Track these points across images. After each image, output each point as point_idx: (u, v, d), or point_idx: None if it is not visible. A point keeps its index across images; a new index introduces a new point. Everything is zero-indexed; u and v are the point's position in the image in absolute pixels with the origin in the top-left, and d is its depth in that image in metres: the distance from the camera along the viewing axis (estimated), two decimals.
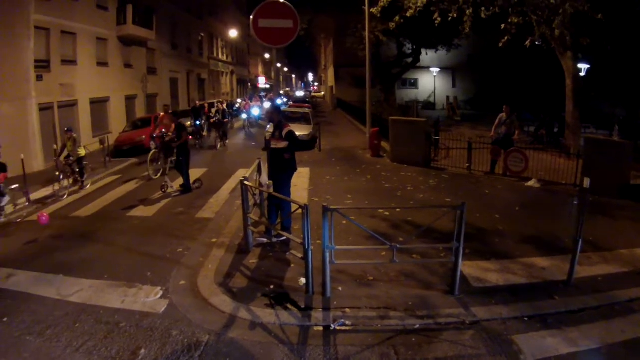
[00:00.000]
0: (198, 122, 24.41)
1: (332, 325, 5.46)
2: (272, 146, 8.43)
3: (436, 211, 7.99)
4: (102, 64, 25.16)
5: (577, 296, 6.37)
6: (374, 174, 14.19)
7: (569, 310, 6.01)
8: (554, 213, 10.14)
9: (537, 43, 16.93)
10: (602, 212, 10.05)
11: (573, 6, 13.90)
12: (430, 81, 45.92)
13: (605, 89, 27.12)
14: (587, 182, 6.93)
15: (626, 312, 6.24)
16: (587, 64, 19.55)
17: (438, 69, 44.13)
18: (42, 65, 19.97)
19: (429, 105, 45.34)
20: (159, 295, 6.55)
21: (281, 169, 8.38)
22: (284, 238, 7.89)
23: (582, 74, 18.82)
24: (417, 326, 5.43)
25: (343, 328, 5.47)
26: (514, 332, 5.38)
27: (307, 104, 35.49)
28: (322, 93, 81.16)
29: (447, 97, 43.57)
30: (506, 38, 16.38)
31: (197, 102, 29.31)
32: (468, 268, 6.81)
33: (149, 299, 6.45)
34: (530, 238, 8.38)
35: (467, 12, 15.98)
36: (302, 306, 5.95)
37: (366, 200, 10.98)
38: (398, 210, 9.92)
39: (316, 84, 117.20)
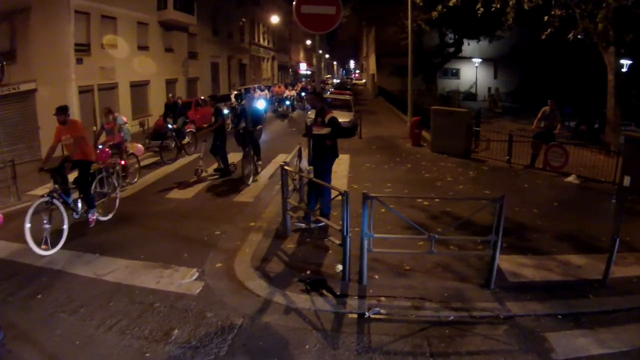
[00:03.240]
0: (170, 125, 16.99)
1: (367, 314, 5.54)
2: (314, 132, 8.48)
3: (475, 203, 7.93)
4: (142, 48, 25.59)
5: (611, 297, 6.30)
6: (414, 163, 14.18)
7: (602, 310, 5.96)
8: (592, 211, 9.96)
9: (579, 37, 16.61)
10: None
11: (617, 0, 13.58)
12: (472, 72, 45.30)
13: None
14: (627, 181, 6.85)
15: None
16: (629, 60, 19.02)
17: (480, 60, 43.49)
18: (82, 49, 20.45)
19: (470, 96, 44.77)
20: (194, 277, 6.70)
21: (323, 155, 8.44)
22: (322, 224, 7.95)
23: (624, 69, 18.33)
24: (451, 318, 5.47)
25: (377, 316, 5.53)
26: (547, 329, 5.37)
27: (348, 91, 35.38)
28: (364, 81, 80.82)
29: (489, 89, 42.92)
30: (549, 30, 16.13)
31: (171, 96, 19.44)
32: (504, 262, 6.80)
33: (184, 280, 6.61)
34: (567, 235, 8.28)
35: (510, 2, 15.75)
36: (338, 293, 6.03)
37: (405, 190, 11.00)
38: (437, 200, 9.90)
39: (357, 71, 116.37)
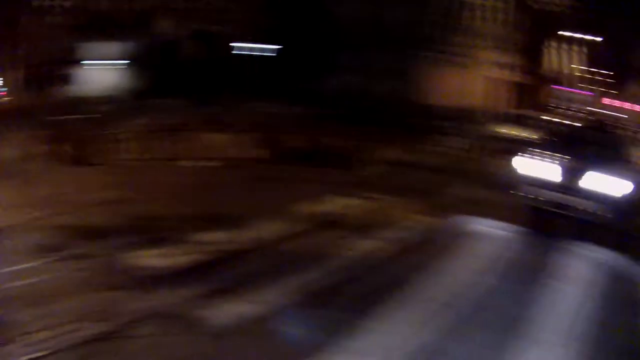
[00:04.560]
0: None
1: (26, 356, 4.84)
2: None
3: (104, 208, 7.69)
4: None
5: (255, 260, 7.12)
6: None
7: (249, 274, 6.60)
8: (231, 186, 10.67)
9: None
10: (276, 178, 11.39)
11: None
12: None
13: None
14: (259, 153, 7.47)
15: (309, 263, 7.26)
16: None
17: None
18: None
19: None
20: None
21: None
22: None
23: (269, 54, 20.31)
24: (108, 330, 5.16)
25: (39, 355, 4.89)
26: (200, 308, 5.59)
27: None
28: None
29: None
30: None
31: None
32: (144, 258, 6.73)
33: None
34: (206, 216, 8.66)
35: None
36: None
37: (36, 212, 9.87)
38: (65, 216, 9.11)
39: None
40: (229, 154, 12.89)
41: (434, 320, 5.91)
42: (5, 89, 25.12)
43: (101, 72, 29.16)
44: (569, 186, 10.14)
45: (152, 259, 6.84)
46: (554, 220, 10.47)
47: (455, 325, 5.84)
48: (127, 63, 29.60)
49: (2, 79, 25.13)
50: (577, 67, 42.68)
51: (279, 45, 21.62)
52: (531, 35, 42.53)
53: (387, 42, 26.67)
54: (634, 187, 10.08)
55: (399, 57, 25.09)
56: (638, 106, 33.12)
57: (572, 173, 10.34)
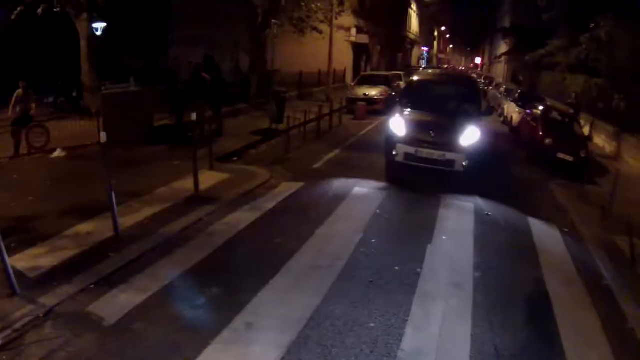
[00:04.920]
0: None
1: None
2: None
3: None
4: None
5: (131, 245, 7.01)
6: None
7: (128, 261, 6.60)
8: (85, 176, 10.33)
9: (55, 10, 16.26)
10: (132, 161, 11.08)
11: None
12: None
13: (124, 44, 27.90)
14: (103, 137, 7.37)
15: (183, 241, 7.37)
16: (104, 22, 19.77)
17: None
18: None
19: None
20: None
21: None
22: None
23: (99, 33, 19.11)
24: (8, 339, 4.98)
25: None
26: (87, 303, 5.60)
27: None
28: None
29: None
30: (19, 9, 15.43)
31: None
32: (20, 262, 6.41)
33: None
34: (69, 208, 8.44)
35: None
36: None
37: None
38: None
39: None
40: (89, 139, 12.40)
41: (319, 284, 6.27)
42: None
43: None
44: (426, 140, 11.09)
45: (30, 260, 6.56)
46: (419, 175, 11.27)
47: (341, 287, 6.23)
48: None
49: None
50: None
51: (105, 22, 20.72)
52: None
53: (229, 12, 26.50)
54: (481, 135, 11.32)
55: (243, 29, 25.06)
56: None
57: (429, 126, 11.36)
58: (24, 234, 7.50)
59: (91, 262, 6.49)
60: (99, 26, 19.10)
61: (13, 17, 15.86)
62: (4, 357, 4.83)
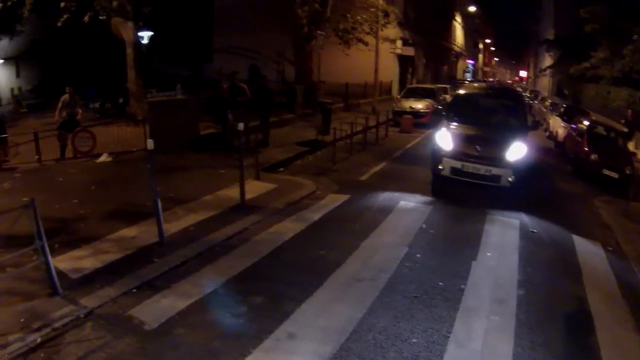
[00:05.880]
0: None
1: None
2: None
3: (15, 215, 7.20)
4: None
5: (175, 251, 6.92)
6: None
7: (172, 267, 6.50)
8: (131, 181, 10.44)
9: (100, 18, 16.62)
10: (178, 168, 11.01)
11: None
12: None
13: (170, 53, 28.52)
14: (150, 144, 7.31)
15: (227, 249, 7.25)
16: (150, 31, 20.16)
17: (1, 61, 38.57)
18: None
19: None
20: None
21: None
22: None
23: (145, 41, 19.47)
24: (39, 340, 4.95)
25: None
26: (129, 307, 5.52)
27: None
28: None
29: (12, 90, 38.86)
30: (65, 16, 15.69)
31: None
32: (62, 262, 6.42)
33: None
34: (114, 212, 8.47)
35: None
36: None
37: None
38: None
39: None
40: (134, 145, 12.46)
41: (363, 297, 6.09)
42: None
43: None
44: (472, 154, 10.84)
45: (73, 261, 6.54)
46: (465, 189, 11.06)
47: (384, 300, 6.05)
48: None
49: None
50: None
51: (151, 31, 20.96)
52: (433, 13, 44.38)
53: (273, 22, 26.67)
54: (527, 150, 10.96)
55: (286, 39, 25.10)
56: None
57: (475, 140, 11.09)
58: (67, 235, 7.55)
59: (134, 266, 6.45)
60: (145, 35, 19.38)
61: (59, 24, 16.17)
62: (42, 355, 4.79)
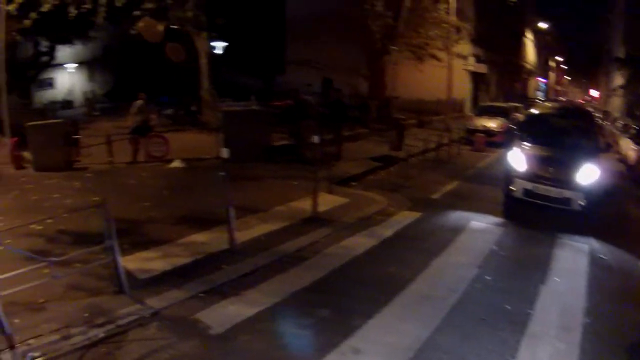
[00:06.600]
0: None
1: None
2: None
3: (86, 213, 7.33)
4: None
5: (245, 259, 6.82)
6: (20, 188, 12.11)
7: (241, 274, 6.40)
8: (202, 188, 10.53)
9: (173, 27, 17.08)
10: (250, 177, 10.99)
11: None
12: (67, 79, 42.05)
13: (244, 64, 29.04)
14: (225, 153, 7.25)
15: (297, 260, 7.10)
16: (224, 41, 20.64)
17: (75, 65, 40.66)
18: None
19: (67, 104, 41.66)
20: None
21: None
22: None
23: (220, 51, 19.91)
24: (102, 335, 4.95)
25: None
26: (195, 310, 5.45)
27: None
28: None
29: (85, 93, 40.85)
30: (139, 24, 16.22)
31: None
32: (131, 262, 6.43)
33: None
34: (184, 217, 8.52)
35: (100, 1, 15.22)
36: None
37: (17, 219, 9.26)
38: (49, 221, 8.70)
39: None
40: (207, 153, 12.58)
41: (430, 316, 5.87)
42: None
43: None
44: (544, 175, 10.41)
45: (141, 262, 6.57)
46: (536, 211, 10.64)
47: (452, 321, 5.81)
48: None
49: None
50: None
51: (225, 41, 21.24)
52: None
53: (345, 36, 26.62)
54: (600, 174, 10.43)
55: (359, 53, 24.99)
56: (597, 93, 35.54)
57: (547, 162, 10.66)
58: (137, 236, 7.61)
59: (203, 271, 6.40)
60: (219, 45, 19.70)
61: (133, 32, 16.65)
62: (103, 350, 4.79)
